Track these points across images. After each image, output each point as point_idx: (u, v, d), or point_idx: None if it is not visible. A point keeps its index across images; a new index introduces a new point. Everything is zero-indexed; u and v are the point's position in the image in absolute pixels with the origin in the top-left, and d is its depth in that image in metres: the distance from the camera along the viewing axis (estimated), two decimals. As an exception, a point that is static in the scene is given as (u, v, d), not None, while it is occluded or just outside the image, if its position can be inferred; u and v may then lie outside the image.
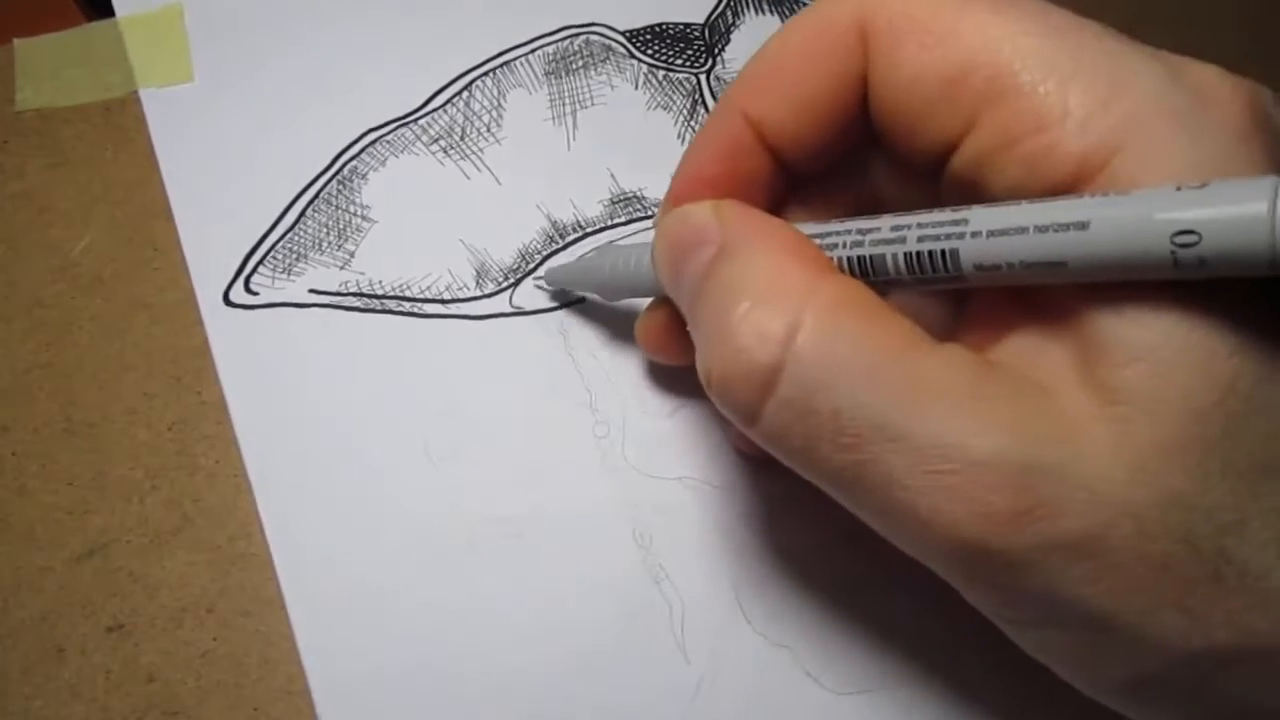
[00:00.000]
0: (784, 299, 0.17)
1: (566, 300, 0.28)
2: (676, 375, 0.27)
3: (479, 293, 0.27)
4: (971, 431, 0.16)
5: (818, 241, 0.19)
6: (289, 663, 0.23)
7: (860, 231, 0.18)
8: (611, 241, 0.25)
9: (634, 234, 0.29)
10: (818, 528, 0.25)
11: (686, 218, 0.20)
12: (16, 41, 0.30)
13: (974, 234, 0.16)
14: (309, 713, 0.22)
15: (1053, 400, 0.16)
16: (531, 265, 0.28)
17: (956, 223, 0.17)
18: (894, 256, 0.18)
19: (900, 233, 0.17)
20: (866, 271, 0.18)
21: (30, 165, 0.28)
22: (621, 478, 0.25)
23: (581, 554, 0.25)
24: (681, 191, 0.21)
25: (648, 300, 0.25)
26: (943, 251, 0.17)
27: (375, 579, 0.24)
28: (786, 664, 0.24)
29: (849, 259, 0.18)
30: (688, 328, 0.20)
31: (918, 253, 0.17)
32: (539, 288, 0.28)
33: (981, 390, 0.16)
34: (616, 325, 0.27)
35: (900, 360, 0.16)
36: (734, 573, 0.25)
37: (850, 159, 0.21)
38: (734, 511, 0.25)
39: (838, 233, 0.19)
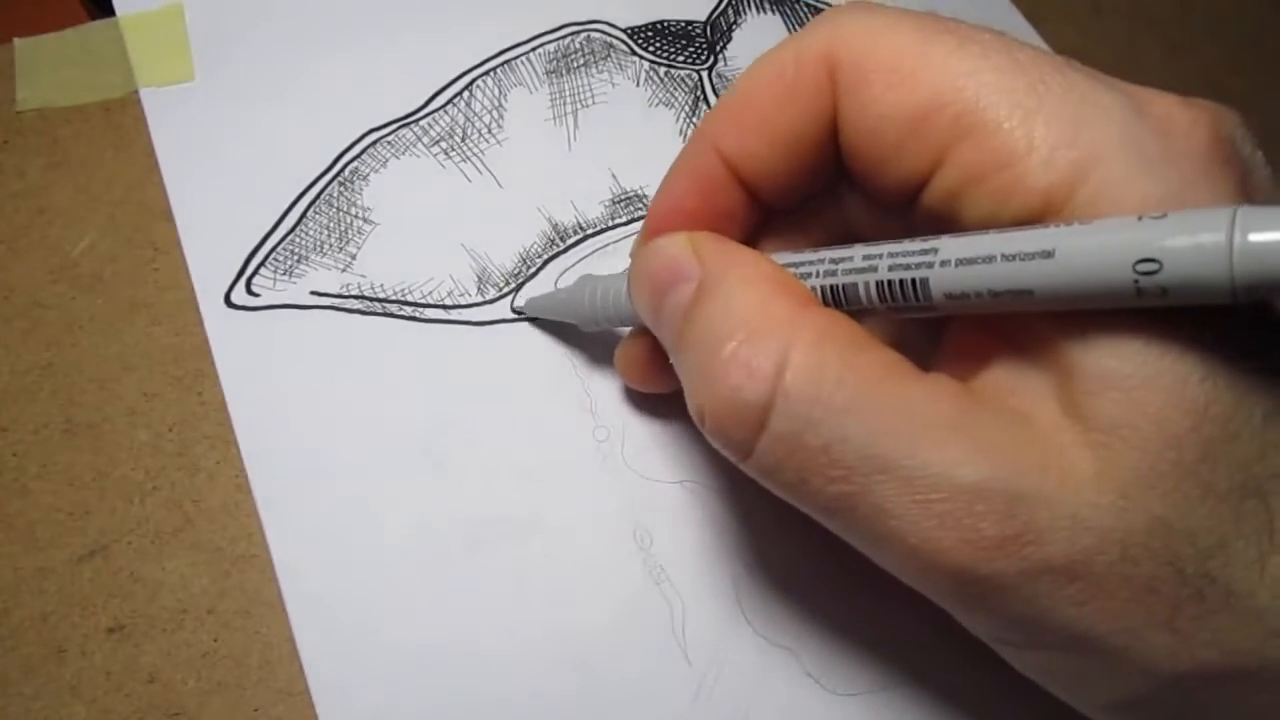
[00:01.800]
0: (769, 335, 0.17)
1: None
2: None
3: (480, 298, 0.27)
4: (958, 461, 0.16)
5: (792, 271, 0.19)
6: (289, 664, 0.23)
7: (833, 261, 0.19)
8: (589, 273, 0.26)
9: (633, 235, 0.29)
10: (818, 529, 0.25)
11: (662, 251, 0.20)
12: (16, 41, 0.30)
13: (943, 263, 0.16)
14: (309, 714, 0.22)
15: (1034, 428, 0.16)
16: (533, 269, 0.28)
17: (926, 252, 0.17)
18: (866, 285, 0.18)
19: (872, 262, 0.18)
20: (840, 300, 0.18)
21: (30, 165, 0.28)
22: (622, 481, 0.25)
23: (582, 556, 0.25)
24: (657, 225, 0.22)
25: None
26: (913, 280, 0.17)
27: (375, 581, 0.24)
28: (787, 665, 0.24)
29: (823, 288, 0.19)
30: (670, 361, 0.20)
31: (889, 281, 0.17)
32: (517, 312, 0.27)
33: (965, 419, 0.16)
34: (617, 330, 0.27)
35: (885, 391, 0.17)
36: (734, 573, 0.25)
37: (823, 191, 0.21)
38: (734, 513, 0.25)
39: (811, 262, 0.19)
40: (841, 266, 0.18)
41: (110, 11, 0.31)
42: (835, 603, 0.25)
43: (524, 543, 0.24)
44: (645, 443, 0.26)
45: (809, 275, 0.19)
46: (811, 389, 0.17)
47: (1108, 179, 0.16)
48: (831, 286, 0.18)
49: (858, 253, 0.18)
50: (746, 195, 0.21)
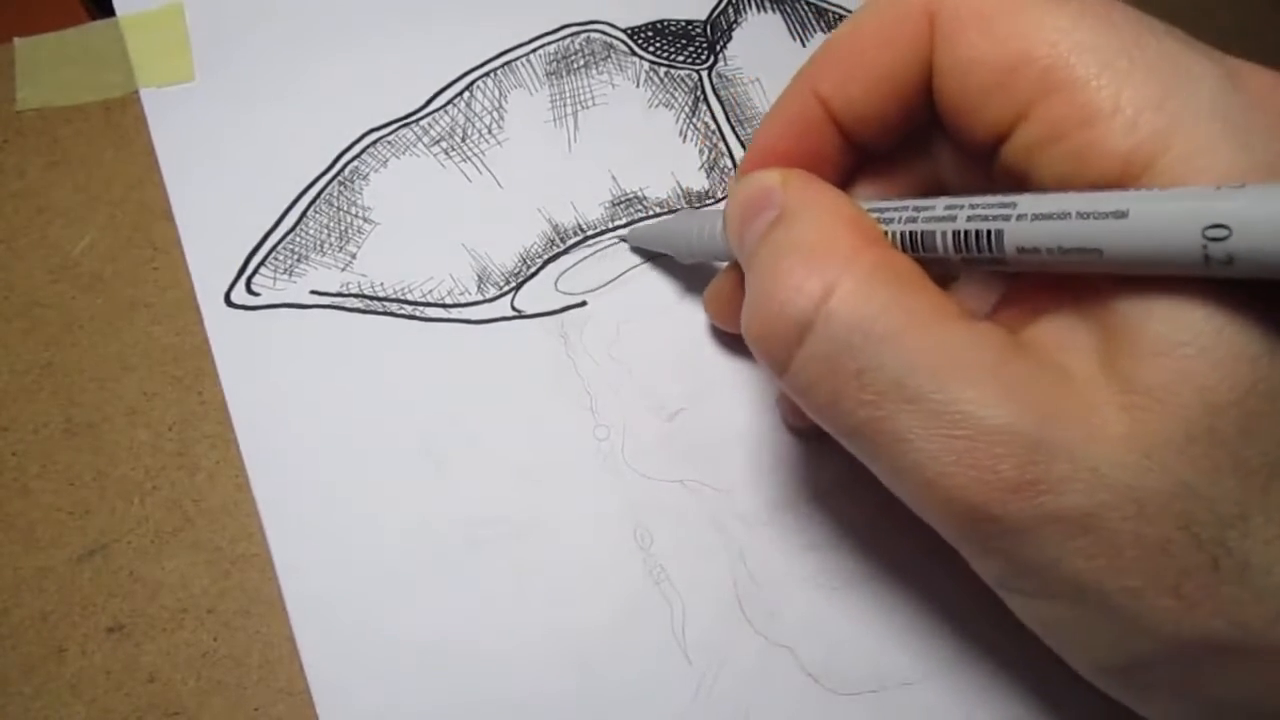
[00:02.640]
0: (826, 261, 0.18)
1: (566, 305, 0.28)
2: (676, 377, 0.27)
3: (480, 297, 0.27)
4: (988, 403, 0.16)
5: (875, 215, 0.20)
6: (289, 663, 0.23)
7: (916, 209, 0.19)
8: (694, 207, 0.28)
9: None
10: (818, 528, 0.25)
11: (754, 181, 0.21)
12: (16, 40, 0.30)
13: (1019, 217, 0.17)
14: (309, 713, 0.22)
15: (1073, 383, 0.17)
16: (533, 269, 0.28)
17: (1005, 205, 0.17)
18: (943, 234, 0.18)
19: (952, 212, 0.18)
20: (917, 247, 0.19)
21: (30, 164, 0.28)
22: (622, 480, 0.25)
23: (582, 555, 0.25)
24: (754, 163, 0.23)
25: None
26: (989, 232, 0.17)
27: (375, 580, 0.24)
28: (786, 664, 0.24)
29: (902, 234, 0.19)
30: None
31: (965, 231, 0.18)
32: (621, 240, 0.29)
33: (1005, 367, 0.17)
34: (617, 328, 0.27)
35: (928, 329, 0.17)
36: (734, 573, 0.25)
37: (916, 139, 0.22)
38: (734, 512, 0.25)
39: (895, 208, 0.20)
40: (923, 215, 0.19)
41: (110, 11, 0.31)
42: (835, 603, 0.25)
43: (524, 542, 0.24)
44: (645, 441, 0.26)
45: (891, 220, 0.19)
46: (855, 316, 0.17)
47: (1191, 147, 0.16)
48: (910, 233, 0.19)
49: (940, 203, 0.19)
50: (840, 139, 0.22)
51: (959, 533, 0.17)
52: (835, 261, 0.18)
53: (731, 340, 0.28)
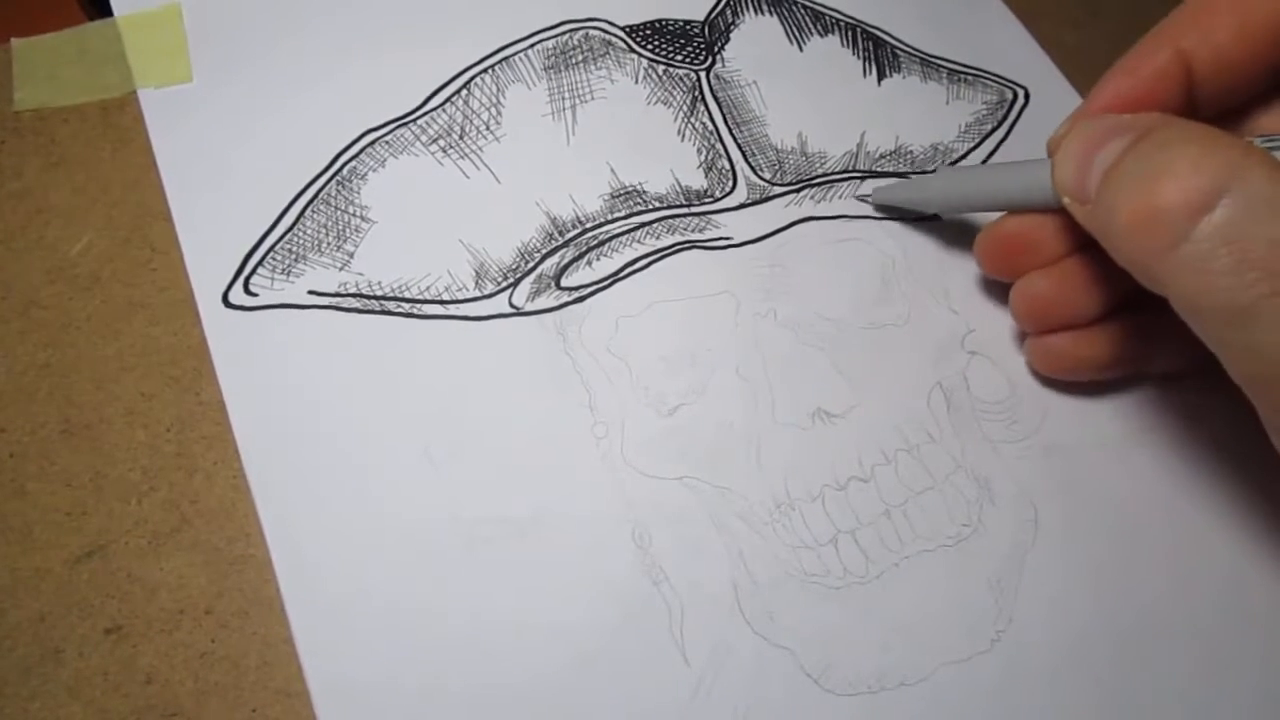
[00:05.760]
0: (1223, 145, 0.19)
1: (564, 301, 0.28)
2: (675, 373, 0.27)
3: (478, 293, 0.27)
4: None
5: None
6: (287, 664, 0.23)
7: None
8: (951, 163, 0.31)
9: (629, 228, 0.29)
10: (818, 528, 0.25)
11: (1105, 118, 0.22)
12: (14, 41, 0.30)
13: None
14: (307, 714, 0.22)
15: None
16: (530, 264, 0.28)
17: None
18: None
19: None
20: None
21: (28, 165, 0.28)
22: (621, 478, 0.25)
23: (581, 555, 0.24)
24: (1099, 111, 0.24)
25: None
26: None
27: (374, 580, 0.24)
28: (786, 665, 0.24)
29: None
30: (1076, 209, 0.23)
31: None
32: (861, 200, 0.30)
33: None
34: (615, 324, 0.27)
35: None
36: (734, 573, 0.25)
37: (1258, 99, 0.24)
38: (734, 511, 0.25)
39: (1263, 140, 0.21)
40: None
41: (108, 12, 0.31)
42: (835, 603, 0.24)
43: (522, 541, 0.24)
44: (644, 439, 0.26)
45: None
46: (1269, 187, 0.18)
47: None
48: None
49: None
50: (1186, 97, 0.23)
51: None
52: (1234, 146, 0.19)
53: (731, 338, 0.27)
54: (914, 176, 0.31)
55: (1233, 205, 0.19)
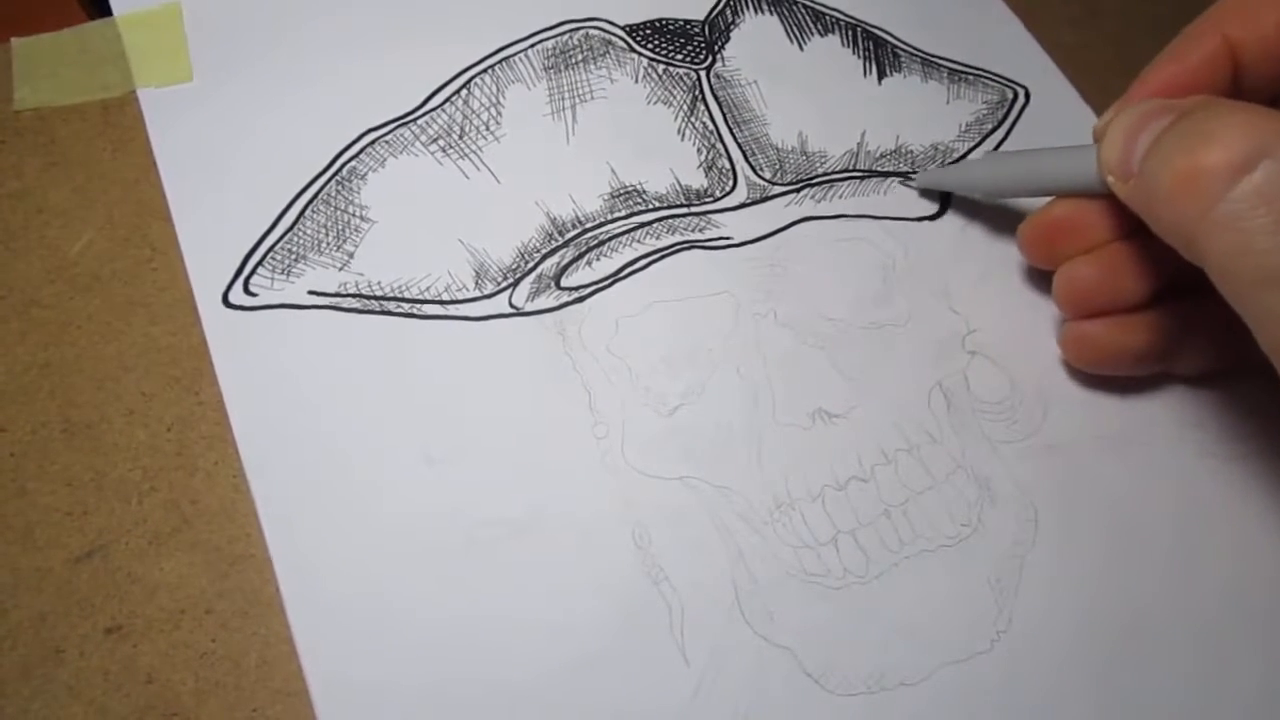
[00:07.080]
0: (1261, 114, 0.20)
1: (564, 301, 0.28)
2: (675, 373, 0.27)
3: (478, 293, 0.27)
4: None
5: None
6: (287, 664, 0.23)
7: None
8: (998, 149, 0.31)
9: (629, 228, 0.29)
10: (818, 528, 0.25)
11: (1151, 100, 0.23)
12: (14, 41, 0.30)
13: None
14: (307, 714, 0.22)
15: None
16: (530, 264, 0.28)
17: None
18: None
19: None
20: None
21: (28, 165, 0.28)
22: (621, 478, 0.25)
23: (581, 555, 0.24)
24: (1144, 96, 0.24)
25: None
26: None
27: (374, 580, 0.24)
28: (786, 665, 0.24)
29: None
30: (1120, 187, 0.23)
31: None
32: (905, 185, 0.31)
33: None
34: (615, 324, 0.27)
35: None
36: (734, 573, 0.25)
37: None
38: (734, 511, 0.25)
39: None
40: None
41: (108, 11, 0.31)
42: (835, 603, 0.24)
43: (522, 541, 0.24)
44: (644, 439, 0.26)
45: None
46: None
47: None
48: None
49: None
50: (1232, 88, 0.23)
51: None
52: (1273, 116, 0.19)
53: (731, 338, 0.27)
54: (960, 161, 0.32)
55: (1274, 166, 0.19)
